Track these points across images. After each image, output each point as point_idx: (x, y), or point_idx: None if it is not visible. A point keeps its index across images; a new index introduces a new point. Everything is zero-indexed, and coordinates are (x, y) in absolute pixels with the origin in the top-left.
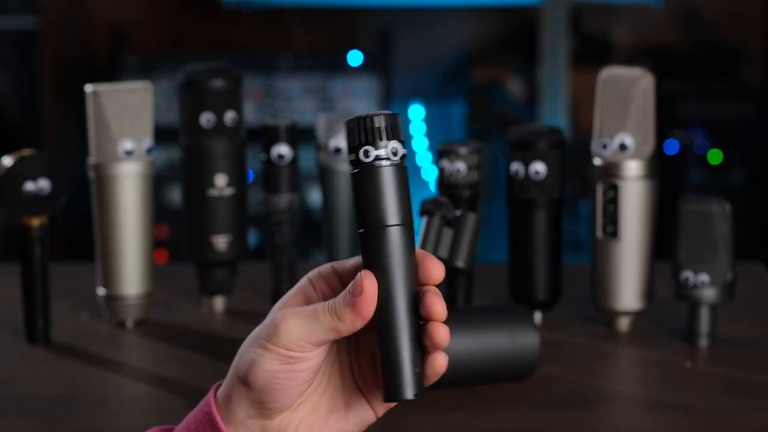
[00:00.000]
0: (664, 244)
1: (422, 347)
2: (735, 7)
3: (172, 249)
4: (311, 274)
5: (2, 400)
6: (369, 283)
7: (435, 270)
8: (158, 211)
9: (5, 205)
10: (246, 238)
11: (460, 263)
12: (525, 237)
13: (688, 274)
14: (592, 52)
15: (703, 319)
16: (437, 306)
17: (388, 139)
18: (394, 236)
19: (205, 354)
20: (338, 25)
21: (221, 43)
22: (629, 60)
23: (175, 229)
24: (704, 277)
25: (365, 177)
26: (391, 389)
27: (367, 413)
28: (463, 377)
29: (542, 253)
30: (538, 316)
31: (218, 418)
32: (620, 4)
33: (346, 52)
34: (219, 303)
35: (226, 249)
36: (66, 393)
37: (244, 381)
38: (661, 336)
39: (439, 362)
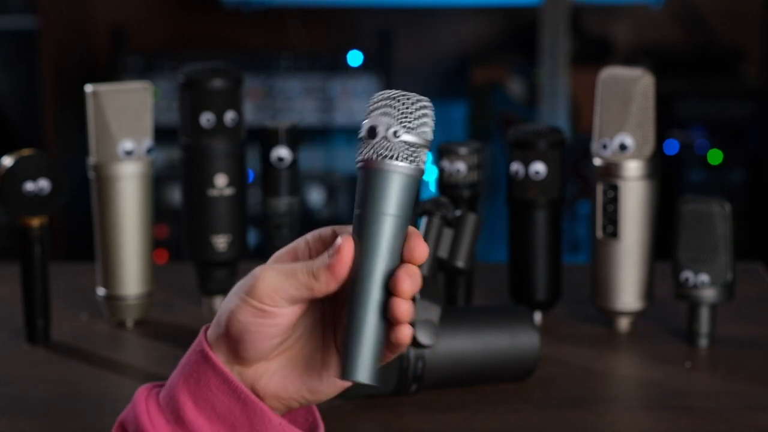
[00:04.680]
0: (664, 244)
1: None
2: (735, 7)
3: (172, 249)
4: (310, 234)
5: (2, 400)
6: (347, 246)
7: (418, 250)
8: (158, 211)
9: (5, 205)
10: (246, 238)
11: (460, 263)
12: (525, 237)
13: (688, 274)
14: (592, 52)
15: (703, 319)
16: (405, 282)
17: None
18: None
19: None
20: (338, 25)
21: (221, 43)
22: (629, 60)
23: (175, 229)
24: (704, 277)
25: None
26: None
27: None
28: (463, 377)
29: (542, 253)
30: (538, 316)
31: (212, 355)
32: (620, 4)
33: (346, 52)
34: (219, 303)
35: (226, 249)
36: (66, 393)
37: (222, 328)
38: (661, 336)
39: (404, 333)
